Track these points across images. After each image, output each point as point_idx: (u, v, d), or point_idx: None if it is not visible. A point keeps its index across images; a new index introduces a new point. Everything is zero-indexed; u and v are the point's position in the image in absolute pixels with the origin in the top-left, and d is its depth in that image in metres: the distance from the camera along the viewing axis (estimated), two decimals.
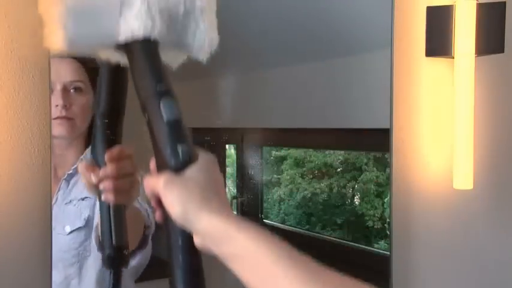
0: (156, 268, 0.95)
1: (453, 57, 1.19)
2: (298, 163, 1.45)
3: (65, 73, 0.95)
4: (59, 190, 0.95)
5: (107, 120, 0.70)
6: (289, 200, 1.44)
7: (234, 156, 1.34)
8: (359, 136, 1.34)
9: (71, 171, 0.95)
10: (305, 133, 1.40)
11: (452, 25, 1.17)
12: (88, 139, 0.97)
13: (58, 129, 0.94)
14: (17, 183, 0.89)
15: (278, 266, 0.48)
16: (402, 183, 1.25)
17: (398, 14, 1.21)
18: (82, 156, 0.96)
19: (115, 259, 0.73)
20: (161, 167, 0.55)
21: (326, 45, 1.32)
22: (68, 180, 0.96)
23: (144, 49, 0.56)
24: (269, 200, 1.43)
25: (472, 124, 1.18)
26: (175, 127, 0.54)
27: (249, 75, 1.29)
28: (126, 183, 0.71)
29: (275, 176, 1.44)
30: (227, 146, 1.33)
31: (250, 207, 1.35)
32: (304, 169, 1.45)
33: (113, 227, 0.72)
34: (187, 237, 0.54)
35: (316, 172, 1.45)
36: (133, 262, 0.87)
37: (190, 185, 0.53)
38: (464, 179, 1.18)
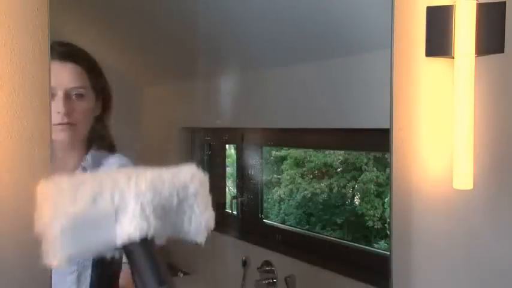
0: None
1: (453, 57, 1.19)
2: (298, 163, 1.46)
3: (67, 79, 0.94)
4: None
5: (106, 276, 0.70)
6: (289, 200, 1.45)
7: (234, 156, 1.34)
8: (359, 136, 1.34)
9: None
10: (305, 133, 1.40)
11: (452, 25, 1.17)
12: (88, 142, 0.97)
13: (60, 135, 0.93)
14: (17, 183, 0.89)
15: None
16: (402, 183, 1.25)
17: (398, 14, 1.21)
18: (84, 163, 0.96)
19: None
20: None
21: (326, 45, 1.32)
22: None
23: (141, 249, 0.56)
24: (269, 200, 1.43)
25: (472, 124, 1.18)
26: None
27: (249, 75, 1.29)
28: None
29: (275, 176, 1.44)
30: (227, 146, 1.33)
31: (250, 207, 1.35)
32: (304, 169, 1.45)
33: None
34: None
35: (316, 172, 1.45)
36: None
37: None
38: (464, 179, 1.18)
